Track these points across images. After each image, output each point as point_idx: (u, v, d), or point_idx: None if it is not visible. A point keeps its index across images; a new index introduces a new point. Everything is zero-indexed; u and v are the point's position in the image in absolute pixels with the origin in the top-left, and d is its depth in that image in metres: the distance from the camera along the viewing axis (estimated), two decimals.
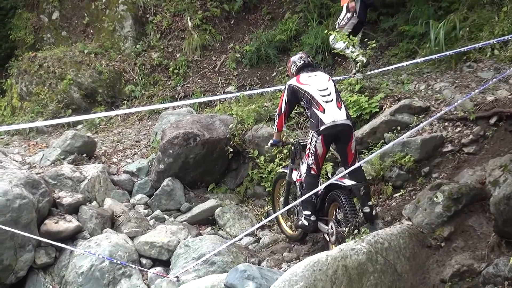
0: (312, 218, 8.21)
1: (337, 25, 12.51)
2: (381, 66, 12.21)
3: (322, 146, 8.02)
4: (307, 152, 8.24)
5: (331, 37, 12.30)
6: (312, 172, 8.18)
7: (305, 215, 8.26)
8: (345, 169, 8.13)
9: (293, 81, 8.49)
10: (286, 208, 8.67)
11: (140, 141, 13.16)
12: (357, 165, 7.86)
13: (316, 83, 8.24)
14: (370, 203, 7.88)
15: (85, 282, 8.71)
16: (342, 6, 12.55)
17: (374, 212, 7.91)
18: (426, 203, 7.47)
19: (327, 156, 9.00)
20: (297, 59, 8.82)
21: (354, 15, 12.33)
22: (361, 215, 7.80)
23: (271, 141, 9.23)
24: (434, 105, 9.60)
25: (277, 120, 8.76)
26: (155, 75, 15.81)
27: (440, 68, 11.02)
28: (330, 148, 8.78)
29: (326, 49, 13.22)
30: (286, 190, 9.21)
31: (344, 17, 12.43)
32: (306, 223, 8.24)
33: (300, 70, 8.63)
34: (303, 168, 8.40)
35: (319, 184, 8.30)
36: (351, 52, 11.40)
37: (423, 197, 7.62)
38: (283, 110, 8.56)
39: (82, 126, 14.54)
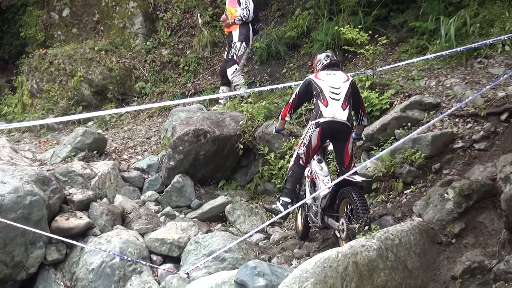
0: (289, 206, 8.23)
1: (234, 56, 12.94)
2: (392, 62, 12.17)
3: (317, 139, 8.12)
4: (300, 141, 8.33)
5: (231, 70, 12.72)
6: (301, 162, 8.32)
7: (283, 200, 8.32)
8: (340, 171, 8.25)
9: (311, 76, 8.61)
10: (297, 205, 8.66)
11: (151, 138, 13.16)
12: (353, 170, 7.94)
13: (331, 81, 8.33)
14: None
15: (95, 279, 8.73)
16: (229, 33, 13.20)
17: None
18: (437, 199, 7.44)
19: (330, 155, 9.06)
20: (323, 57, 8.89)
21: (247, 44, 12.87)
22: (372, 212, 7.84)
23: (275, 127, 9.29)
24: (444, 102, 9.58)
25: (283, 108, 8.86)
26: (165, 72, 15.82)
27: (450, 64, 10.98)
28: (329, 148, 8.82)
29: (337, 45, 13.18)
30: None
31: (240, 47, 12.88)
32: (281, 208, 8.26)
33: (325, 68, 8.71)
34: (293, 156, 8.49)
35: (303, 175, 8.53)
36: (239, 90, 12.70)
37: (434, 194, 7.60)
38: (291, 100, 8.69)
39: (92, 123, 14.56)
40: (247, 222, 10.28)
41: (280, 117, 8.94)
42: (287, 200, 8.31)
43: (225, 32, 13.68)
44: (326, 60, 8.80)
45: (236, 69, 12.98)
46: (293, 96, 8.64)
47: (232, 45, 13.04)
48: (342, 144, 8.14)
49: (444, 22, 11.25)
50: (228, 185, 11.32)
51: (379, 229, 7.19)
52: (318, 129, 8.04)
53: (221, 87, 13.52)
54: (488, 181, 7.59)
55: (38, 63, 15.62)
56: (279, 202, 8.44)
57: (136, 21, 16.52)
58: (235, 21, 12.92)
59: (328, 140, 8.45)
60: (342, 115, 8.04)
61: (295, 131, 9.87)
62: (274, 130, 9.39)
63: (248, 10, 12.95)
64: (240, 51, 12.99)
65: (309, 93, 8.46)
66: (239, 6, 12.97)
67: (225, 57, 13.55)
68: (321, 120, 8.01)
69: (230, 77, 13.02)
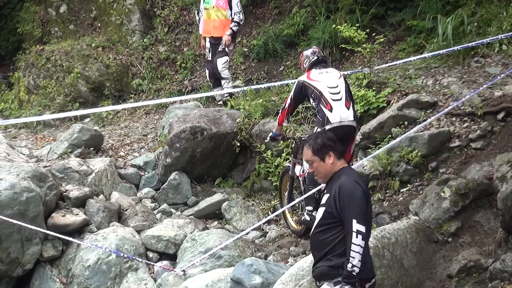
0: (314, 213, 8.22)
1: (226, 49, 12.64)
2: (389, 60, 12.15)
3: None
4: None
5: (222, 60, 12.52)
6: None
7: (307, 210, 8.28)
8: None
9: (303, 77, 8.46)
10: (291, 204, 8.70)
11: (147, 135, 13.16)
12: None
13: (327, 80, 8.21)
14: None
15: (91, 276, 8.75)
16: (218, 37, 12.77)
17: None
18: (433, 198, 7.47)
19: None
20: (310, 53, 8.74)
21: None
22: None
23: (270, 134, 9.22)
24: (441, 100, 9.59)
25: (280, 114, 8.77)
26: (162, 69, 15.79)
27: (447, 63, 10.99)
28: None
29: (334, 44, 13.18)
30: (289, 185, 9.20)
31: (230, 46, 12.77)
32: (308, 218, 8.25)
33: (313, 65, 8.58)
34: (306, 164, 8.40)
35: None
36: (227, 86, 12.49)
37: (430, 192, 7.62)
38: (287, 105, 8.56)
39: (89, 120, 14.55)
40: (243, 219, 10.27)
41: (277, 123, 8.87)
42: (310, 208, 8.26)
43: (210, 37, 12.96)
44: (313, 57, 8.67)
45: (226, 60, 12.66)
46: (289, 100, 8.54)
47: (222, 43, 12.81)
48: (346, 145, 8.09)
49: (441, 21, 11.24)
50: (224, 183, 11.32)
51: (376, 227, 7.20)
52: None
53: (215, 90, 13.27)
54: (484, 180, 7.62)
55: (35, 59, 15.60)
56: (305, 212, 8.41)
57: (133, 18, 16.49)
58: (233, 29, 12.68)
59: None
60: (348, 115, 8.00)
61: (291, 132, 9.87)
62: (268, 137, 9.27)
63: (241, 12, 12.82)
64: (231, 46, 12.86)
65: (303, 95, 8.37)
66: (230, 9, 12.73)
67: (209, 59, 13.05)
68: (328, 126, 7.87)
69: (220, 67, 12.50)
